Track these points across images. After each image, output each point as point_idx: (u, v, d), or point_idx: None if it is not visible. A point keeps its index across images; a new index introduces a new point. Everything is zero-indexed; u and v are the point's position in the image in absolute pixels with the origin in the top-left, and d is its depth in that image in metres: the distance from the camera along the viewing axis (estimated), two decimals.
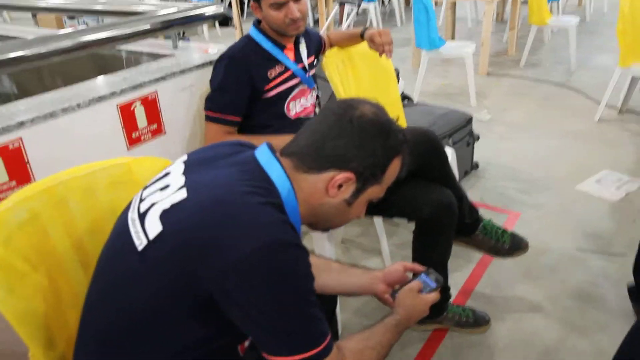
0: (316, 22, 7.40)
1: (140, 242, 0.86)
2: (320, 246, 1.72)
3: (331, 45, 2.04)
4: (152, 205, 0.89)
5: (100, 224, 1.14)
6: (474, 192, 2.69)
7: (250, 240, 0.79)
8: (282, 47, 1.74)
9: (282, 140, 1.64)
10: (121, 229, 0.92)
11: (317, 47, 1.97)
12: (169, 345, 0.88)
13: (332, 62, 2.00)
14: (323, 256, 1.26)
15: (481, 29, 4.58)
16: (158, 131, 1.70)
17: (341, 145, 0.92)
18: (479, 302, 1.92)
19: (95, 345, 0.93)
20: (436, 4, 7.51)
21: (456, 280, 2.02)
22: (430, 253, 1.63)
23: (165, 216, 0.86)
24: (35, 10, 2.93)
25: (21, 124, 1.35)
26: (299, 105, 1.78)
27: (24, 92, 2.83)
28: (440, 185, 1.60)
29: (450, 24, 5.22)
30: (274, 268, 0.79)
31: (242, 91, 1.65)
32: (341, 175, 0.92)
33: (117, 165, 1.18)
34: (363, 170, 0.93)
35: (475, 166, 2.90)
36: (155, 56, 2.01)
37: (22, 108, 1.44)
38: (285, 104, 1.74)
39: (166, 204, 0.87)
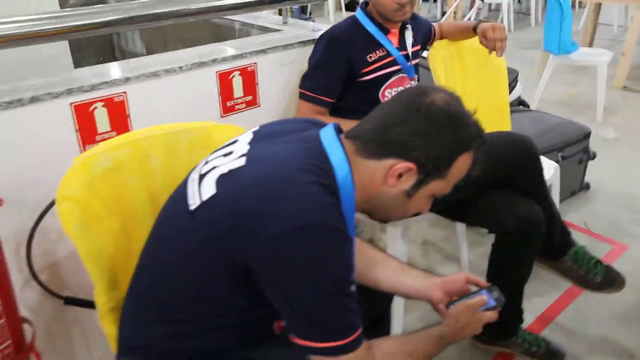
0: (443, 14, 7.15)
1: (194, 202, 0.89)
2: (393, 243, 1.67)
3: (442, 37, 1.95)
4: (213, 168, 0.92)
5: (177, 182, 1.18)
6: (578, 214, 2.46)
7: (292, 218, 0.78)
8: (386, 32, 1.69)
9: None
10: (181, 189, 0.96)
11: (426, 37, 1.89)
12: (207, 307, 0.90)
13: (439, 54, 1.92)
14: (383, 251, 1.22)
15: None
16: (252, 103, 1.74)
17: (406, 132, 0.87)
18: (558, 335, 1.75)
19: (144, 299, 0.99)
20: (580, 4, 6.94)
21: (535, 306, 1.86)
22: (507, 270, 1.51)
23: (221, 180, 0.88)
24: None
25: (127, 80, 1.45)
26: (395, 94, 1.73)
27: (152, 53, 3.06)
28: (530, 199, 1.47)
29: (591, 28, 4.76)
30: (310, 249, 0.78)
31: (338, 72, 1.64)
32: (402, 165, 0.87)
33: (198, 129, 1.23)
34: (426, 162, 0.87)
35: (585, 187, 2.64)
36: (264, 29, 2.06)
37: (133, 65, 1.55)
38: (381, 91, 1.70)
39: (224, 169, 0.89)
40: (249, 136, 0.98)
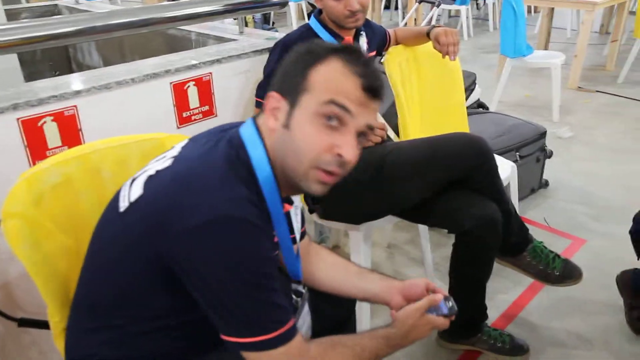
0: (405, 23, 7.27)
1: (123, 205, 0.90)
2: (356, 247, 1.68)
3: (397, 42, 1.98)
4: (144, 172, 0.93)
5: None
6: (537, 211, 2.52)
7: (200, 212, 0.78)
8: (339, 39, 1.71)
9: None
10: (116, 195, 0.97)
11: (381, 43, 1.91)
12: (142, 310, 0.90)
13: (395, 59, 1.94)
14: (343, 257, 1.22)
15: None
16: (209, 113, 1.73)
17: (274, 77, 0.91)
18: (521, 330, 1.78)
19: (80, 306, 0.98)
20: (535, 9, 7.16)
21: (499, 303, 1.90)
22: (467, 268, 1.53)
23: (148, 182, 0.89)
24: None
25: (77, 93, 1.42)
26: None
27: (109, 65, 3.02)
28: (486, 198, 1.50)
29: (545, 32, 4.91)
30: (218, 243, 0.77)
31: None
32: (268, 99, 0.89)
33: (150, 140, 1.21)
34: (281, 85, 0.88)
35: (544, 184, 2.71)
36: (220, 39, 2.06)
37: (83, 78, 1.52)
38: None
39: (152, 171, 0.90)
40: (185, 142, 0.98)
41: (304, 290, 1.09)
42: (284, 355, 0.85)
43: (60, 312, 1.08)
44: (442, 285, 2.01)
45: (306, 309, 1.10)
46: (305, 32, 1.69)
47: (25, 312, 1.44)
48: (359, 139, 0.88)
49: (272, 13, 7.73)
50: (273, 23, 7.03)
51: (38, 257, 1.05)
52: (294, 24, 7.20)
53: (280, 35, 2.06)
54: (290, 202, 1.00)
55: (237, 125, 0.95)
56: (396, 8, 7.66)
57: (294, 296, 1.06)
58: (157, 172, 0.89)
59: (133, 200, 0.88)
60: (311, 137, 0.84)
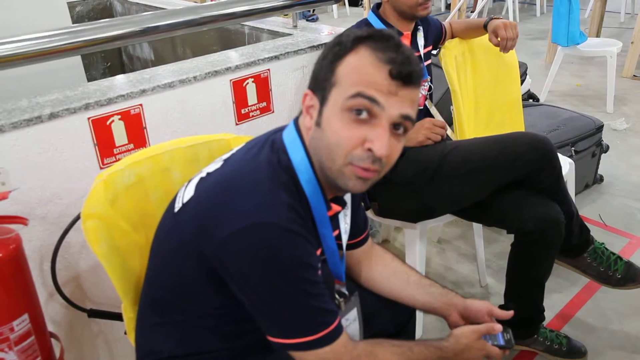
0: (448, 6, 7.11)
1: (178, 205, 0.94)
2: (411, 245, 1.68)
3: (452, 36, 1.94)
4: (199, 173, 0.96)
5: None
6: (592, 208, 2.45)
7: (242, 218, 0.80)
8: (399, 34, 1.68)
9: None
10: (175, 195, 1.01)
11: (437, 36, 1.88)
12: (197, 308, 0.93)
13: (451, 53, 1.91)
14: (405, 263, 1.21)
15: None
16: (267, 109, 1.75)
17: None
18: (578, 331, 1.75)
19: (148, 302, 1.02)
20: None
21: (555, 303, 1.87)
22: (527, 270, 1.51)
23: (199, 183, 0.92)
24: None
25: (143, 92, 1.46)
26: None
27: (159, 58, 3.07)
28: (548, 198, 1.47)
29: (598, 17, 4.71)
30: (257, 249, 0.79)
31: None
32: (304, 98, 0.88)
33: (217, 141, 1.24)
34: (314, 82, 0.87)
35: (599, 179, 2.63)
36: (275, 34, 2.06)
37: (147, 77, 1.55)
38: None
39: (204, 173, 0.94)
40: (241, 145, 0.99)
41: (347, 292, 1.08)
42: (330, 354, 0.87)
43: (134, 308, 1.12)
44: (493, 282, 2.02)
45: (354, 313, 1.09)
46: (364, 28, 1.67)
47: (93, 303, 1.51)
48: (396, 131, 0.83)
49: None
50: (313, 10, 6.99)
51: (115, 255, 1.09)
52: (335, 11, 7.14)
53: (330, 28, 2.05)
54: (342, 204, 0.98)
55: (283, 129, 0.96)
56: None
57: (337, 296, 1.06)
58: (208, 174, 0.93)
59: (185, 201, 0.92)
60: (340, 132, 0.81)
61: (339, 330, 0.88)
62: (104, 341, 1.56)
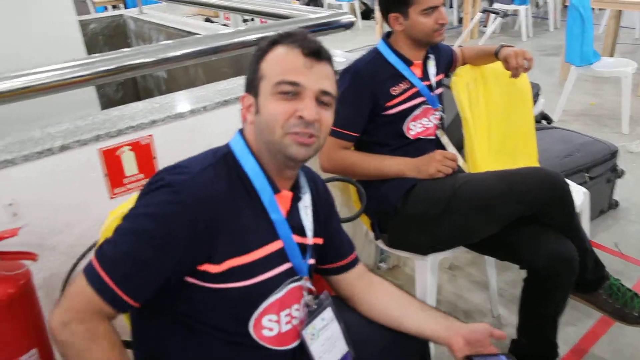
0: (460, 20, 7.10)
1: None
2: (421, 276, 1.65)
3: (464, 62, 1.93)
4: None
5: None
6: (608, 235, 2.40)
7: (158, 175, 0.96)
8: (409, 64, 1.68)
9: (397, 163, 1.61)
10: None
11: (448, 63, 1.87)
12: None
13: (462, 80, 1.89)
14: (406, 291, 1.20)
15: None
16: None
17: None
18: None
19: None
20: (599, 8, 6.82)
21: (569, 336, 1.83)
22: (539, 307, 1.48)
23: None
24: (193, 5, 3.16)
25: (153, 122, 1.46)
26: (420, 126, 1.71)
27: (172, 77, 3.10)
28: (561, 234, 1.44)
29: (612, 34, 4.66)
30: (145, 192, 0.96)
31: (363, 107, 1.62)
32: (242, 103, 1.02)
33: None
34: (247, 85, 1.01)
35: (614, 205, 2.58)
36: None
37: (157, 105, 1.56)
38: (405, 123, 1.67)
39: None
40: None
41: (313, 287, 1.09)
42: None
43: None
44: (505, 312, 1.98)
45: (329, 313, 1.10)
46: (376, 58, 1.66)
47: None
48: (320, 104, 0.98)
49: None
50: None
51: None
52: None
53: (343, 54, 2.05)
54: (295, 190, 1.06)
55: None
56: (451, 6, 7.49)
57: (304, 293, 1.07)
58: None
59: None
60: (275, 110, 0.96)
61: (109, 297, 0.88)
62: None
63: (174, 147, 1.52)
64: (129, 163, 1.46)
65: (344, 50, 2.21)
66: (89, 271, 0.89)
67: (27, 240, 1.31)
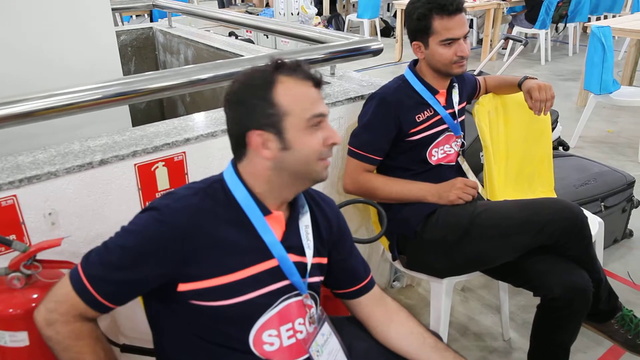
0: (480, 42, 7.15)
1: None
2: (436, 299, 1.70)
3: (487, 91, 1.98)
4: None
5: None
6: (621, 264, 2.43)
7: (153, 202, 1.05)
8: (434, 92, 1.73)
9: (418, 188, 1.66)
10: None
11: (471, 92, 1.92)
12: None
13: (484, 109, 1.95)
14: (422, 325, 1.23)
15: None
16: None
17: (230, 120, 1.06)
18: None
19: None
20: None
21: None
22: (551, 334, 1.52)
23: None
24: (215, 20, 3.25)
25: (187, 140, 1.53)
26: (442, 152, 1.76)
27: (198, 93, 3.17)
28: (577, 265, 1.48)
29: (632, 63, 4.68)
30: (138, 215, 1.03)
31: (388, 133, 1.67)
32: (250, 139, 1.02)
33: None
34: (255, 123, 1.01)
35: (629, 234, 2.61)
36: None
37: (191, 124, 1.63)
38: (428, 150, 1.72)
39: None
40: None
41: (312, 303, 1.12)
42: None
43: None
44: (516, 336, 2.02)
45: (327, 327, 1.14)
46: (402, 86, 1.72)
47: (126, 338, 1.56)
48: None
49: (345, 29, 7.83)
50: None
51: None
52: None
53: (369, 79, 2.11)
54: (293, 212, 1.11)
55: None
56: (471, 26, 7.55)
57: (307, 310, 1.10)
58: None
59: None
60: (311, 142, 1.02)
61: (87, 298, 0.97)
62: None
63: (205, 164, 1.58)
64: (162, 178, 1.53)
65: (363, 68, 2.27)
66: (73, 274, 0.99)
67: (63, 249, 1.38)
